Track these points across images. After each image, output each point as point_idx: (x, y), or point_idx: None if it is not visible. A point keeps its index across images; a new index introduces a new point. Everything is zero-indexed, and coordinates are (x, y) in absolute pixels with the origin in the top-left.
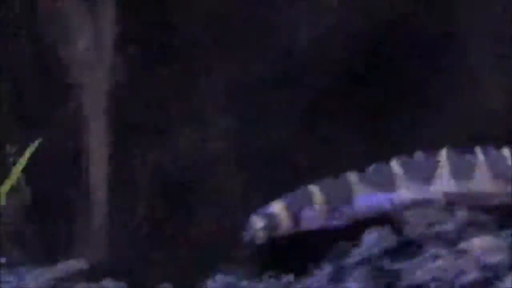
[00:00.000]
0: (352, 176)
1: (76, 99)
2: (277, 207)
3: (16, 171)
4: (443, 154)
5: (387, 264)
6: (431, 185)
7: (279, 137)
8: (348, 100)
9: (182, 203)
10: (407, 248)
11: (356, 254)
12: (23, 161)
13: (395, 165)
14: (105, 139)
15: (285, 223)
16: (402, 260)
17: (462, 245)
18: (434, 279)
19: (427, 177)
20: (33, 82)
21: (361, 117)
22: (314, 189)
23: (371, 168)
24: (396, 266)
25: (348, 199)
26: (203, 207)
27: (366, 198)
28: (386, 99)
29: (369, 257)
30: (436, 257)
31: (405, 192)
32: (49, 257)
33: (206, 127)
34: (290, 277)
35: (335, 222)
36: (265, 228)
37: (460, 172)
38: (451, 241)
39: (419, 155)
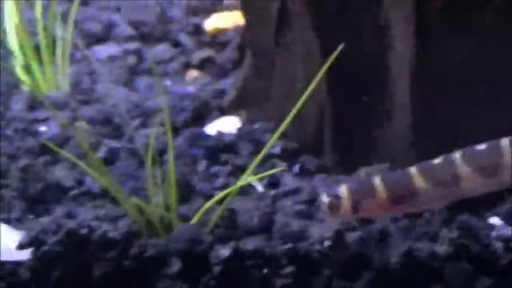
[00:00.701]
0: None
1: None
2: (343, 190)
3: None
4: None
5: None
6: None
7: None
8: None
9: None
10: None
11: None
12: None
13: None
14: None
15: (345, 207)
16: None
17: None
18: None
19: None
20: None
21: None
22: (377, 181)
23: None
24: None
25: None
26: None
27: None
28: None
29: None
30: None
31: None
32: (349, 164)
33: None
34: None
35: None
36: (329, 206)
37: None
38: None
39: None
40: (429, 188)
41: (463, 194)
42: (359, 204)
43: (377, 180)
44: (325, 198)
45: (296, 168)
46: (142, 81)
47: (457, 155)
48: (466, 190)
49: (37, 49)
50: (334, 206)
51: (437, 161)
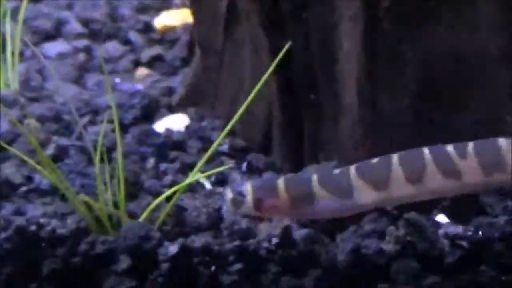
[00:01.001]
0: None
1: None
2: (247, 187)
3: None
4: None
5: None
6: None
7: None
8: None
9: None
10: None
11: None
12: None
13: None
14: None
15: (247, 204)
16: None
17: None
18: None
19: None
20: None
21: None
22: (280, 181)
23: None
24: None
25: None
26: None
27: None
28: None
29: None
30: None
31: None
32: (298, 162)
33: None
34: None
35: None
36: (232, 202)
37: None
38: None
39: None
40: (325, 197)
41: (358, 207)
42: (262, 203)
43: (280, 181)
44: (229, 194)
45: (244, 165)
46: (91, 79)
47: (352, 167)
48: (360, 203)
49: None
50: (237, 203)
51: (336, 171)
